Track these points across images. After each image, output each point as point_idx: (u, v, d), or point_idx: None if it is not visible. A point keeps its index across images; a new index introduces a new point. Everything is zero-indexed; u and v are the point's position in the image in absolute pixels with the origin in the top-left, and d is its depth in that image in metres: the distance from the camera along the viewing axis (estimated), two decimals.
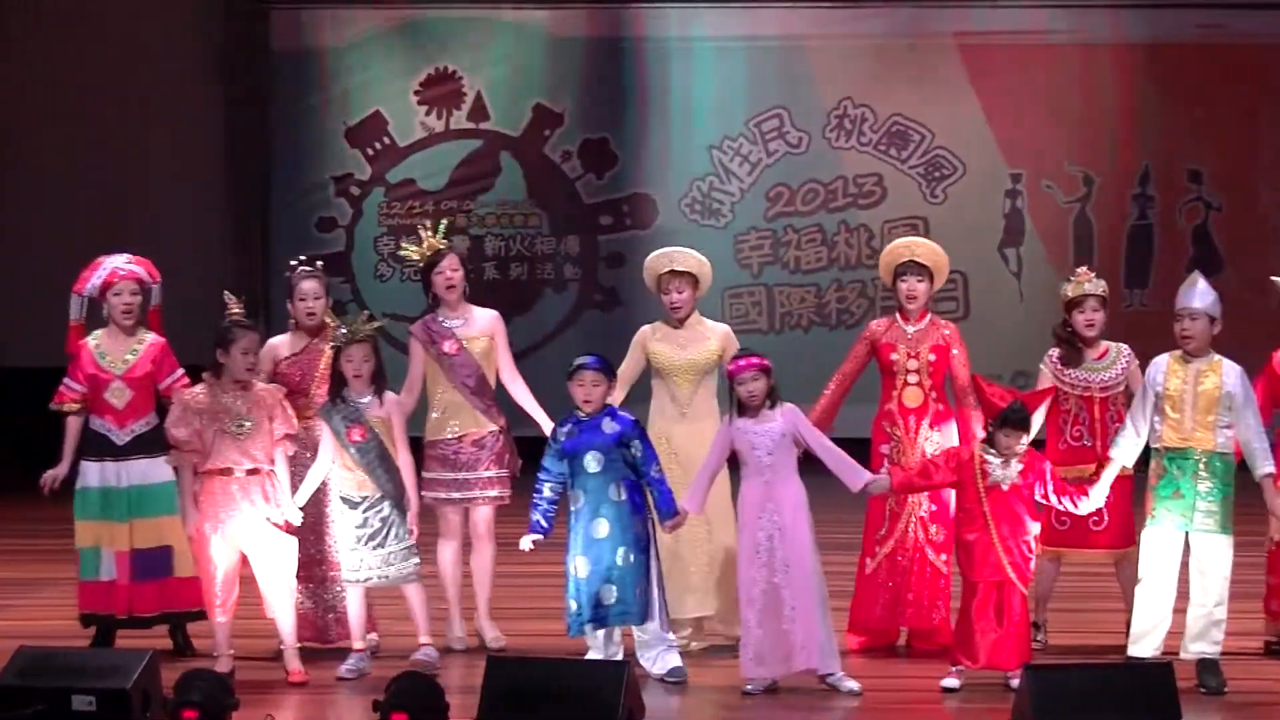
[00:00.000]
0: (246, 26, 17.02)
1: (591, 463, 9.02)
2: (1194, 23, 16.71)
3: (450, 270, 9.78)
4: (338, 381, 9.28)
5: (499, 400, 9.84)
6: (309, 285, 9.70)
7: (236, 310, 9.43)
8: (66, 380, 9.71)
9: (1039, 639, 9.69)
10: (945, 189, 16.89)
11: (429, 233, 9.86)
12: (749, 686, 8.93)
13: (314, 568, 9.58)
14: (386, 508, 9.22)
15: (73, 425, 9.70)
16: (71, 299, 9.78)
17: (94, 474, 9.61)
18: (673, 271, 9.77)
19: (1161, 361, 9.17)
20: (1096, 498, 9.14)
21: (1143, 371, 9.34)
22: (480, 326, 9.84)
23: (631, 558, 8.99)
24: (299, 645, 9.31)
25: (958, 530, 9.08)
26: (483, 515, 9.81)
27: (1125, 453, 9.23)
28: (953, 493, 9.16)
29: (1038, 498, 8.93)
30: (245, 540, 9.18)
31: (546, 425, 9.44)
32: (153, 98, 16.75)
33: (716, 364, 9.71)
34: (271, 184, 17.14)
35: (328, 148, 17.09)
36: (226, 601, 9.22)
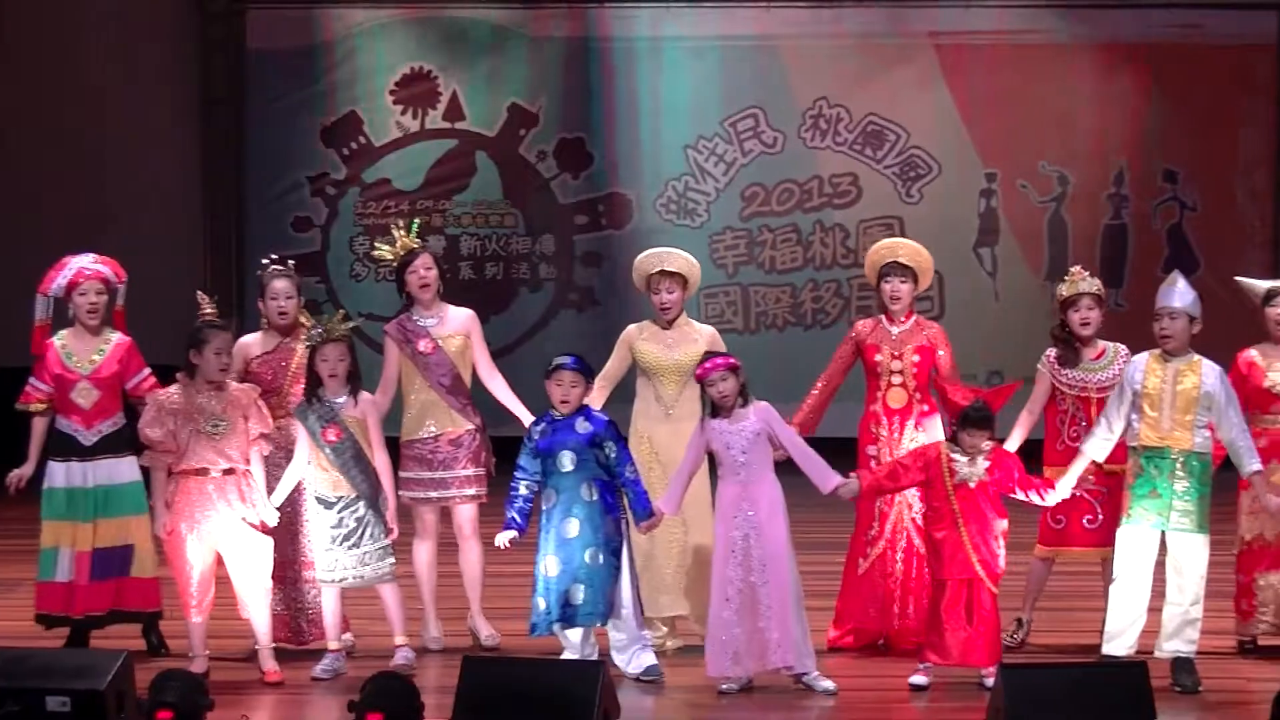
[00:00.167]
0: (222, 26, 17.00)
1: (566, 461, 9.02)
2: (1170, 23, 16.74)
3: (424, 269, 9.77)
4: (313, 381, 9.26)
5: (475, 399, 9.83)
6: (281, 284, 9.68)
7: (209, 310, 9.41)
8: (32, 380, 9.68)
9: (1017, 636, 9.72)
10: (920, 189, 16.91)
11: (402, 232, 9.85)
12: (724, 686, 8.93)
13: (288, 568, 9.57)
14: (362, 508, 9.20)
15: (39, 425, 9.68)
16: (37, 299, 9.75)
17: (60, 474, 9.59)
18: (663, 272, 9.76)
19: (1140, 360, 9.18)
20: (1063, 490, 9.16)
21: None
22: (455, 325, 9.83)
23: (601, 558, 8.99)
24: (274, 645, 9.29)
25: (927, 529, 9.11)
26: (465, 514, 9.80)
27: (1095, 448, 9.23)
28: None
29: (1018, 495, 8.96)
30: (221, 540, 9.15)
31: (528, 419, 9.43)
32: (128, 97, 16.70)
33: None
34: (246, 184, 17.12)
35: (303, 147, 17.07)
36: (202, 602, 9.20)
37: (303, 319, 9.53)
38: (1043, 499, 9.10)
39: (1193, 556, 9.02)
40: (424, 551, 9.84)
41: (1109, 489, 9.44)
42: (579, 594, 8.97)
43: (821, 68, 16.87)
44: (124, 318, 9.87)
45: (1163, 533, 9.04)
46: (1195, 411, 9.01)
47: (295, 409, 9.31)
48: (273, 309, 9.68)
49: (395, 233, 9.84)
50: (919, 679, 8.97)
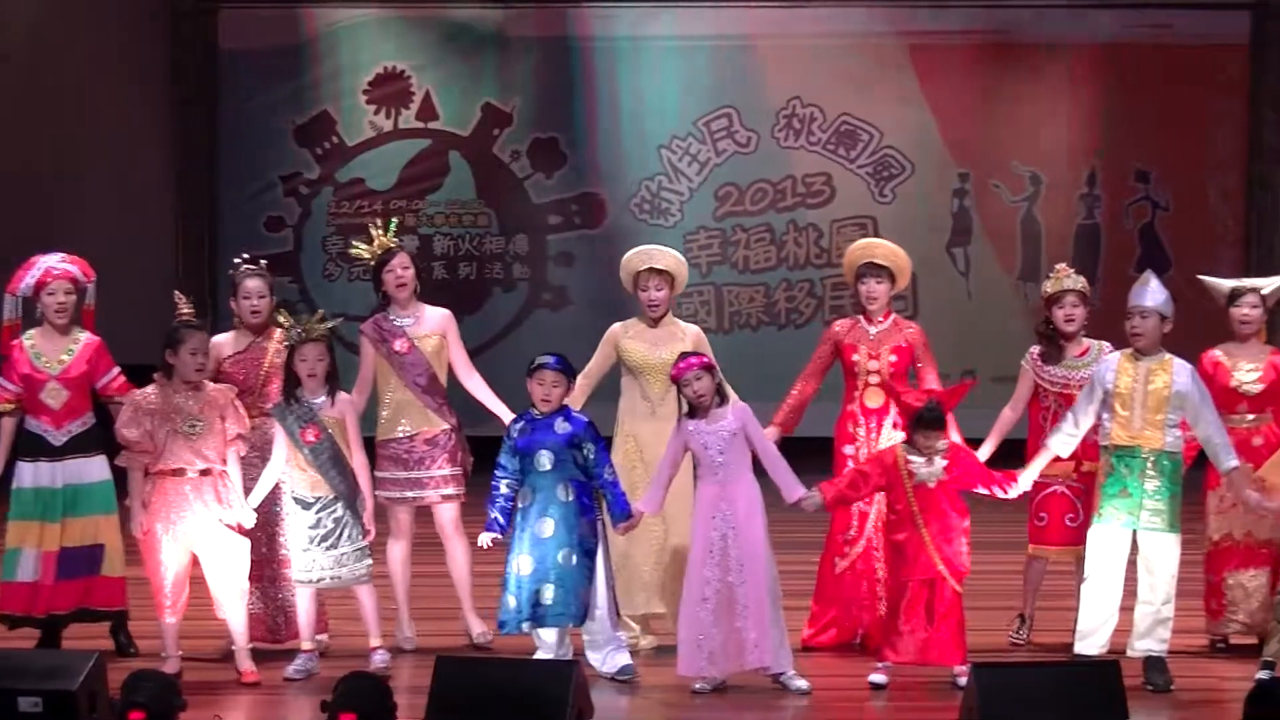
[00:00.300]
0: (194, 26, 16.97)
1: (544, 461, 9.03)
2: (1141, 23, 16.79)
3: (401, 268, 9.77)
4: (291, 381, 9.25)
5: (451, 399, 9.82)
6: (253, 284, 9.66)
7: (186, 310, 9.41)
8: (1, 380, 9.65)
9: (1021, 634, 9.78)
10: (894, 188, 16.94)
11: (379, 231, 9.84)
12: (698, 685, 8.93)
13: (265, 567, 9.54)
14: (340, 509, 9.19)
15: (7, 425, 9.64)
16: (5, 299, 9.72)
17: (28, 474, 9.55)
18: (651, 269, 9.77)
19: (1112, 359, 9.20)
20: (1024, 483, 9.17)
21: None
22: (431, 325, 9.82)
23: (574, 559, 8.99)
24: (251, 645, 9.28)
25: (887, 532, 9.14)
26: (447, 515, 9.80)
27: (1060, 443, 9.24)
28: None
29: (979, 490, 8.98)
30: (197, 541, 9.14)
31: (508, 417, 9.42)
32: (100, 97, 16.66)
33: None
34: (219, 184, 17.09)
35: (276, 147, 17.05)
36: (176, 603, 9.18)
37: (281, 319, 9.51)
38: (1005, 492, 9.10)
39: (1164, 556, 9.05)
40: (398, 551, 9.84)
41: (1088, 487, 9.45)
42: (549, 594, 8.96)
43: (795, 68, 16.89)
44: (93, 317, 9.83)
45: (1134, 532, 9.07)
46: (1166, 411, 9.03)
47: (273, 409, 9.30)
48: (245, 308, 9.66)
49: (373, 232, 9.83)
50: (878, 677, 8.99)
